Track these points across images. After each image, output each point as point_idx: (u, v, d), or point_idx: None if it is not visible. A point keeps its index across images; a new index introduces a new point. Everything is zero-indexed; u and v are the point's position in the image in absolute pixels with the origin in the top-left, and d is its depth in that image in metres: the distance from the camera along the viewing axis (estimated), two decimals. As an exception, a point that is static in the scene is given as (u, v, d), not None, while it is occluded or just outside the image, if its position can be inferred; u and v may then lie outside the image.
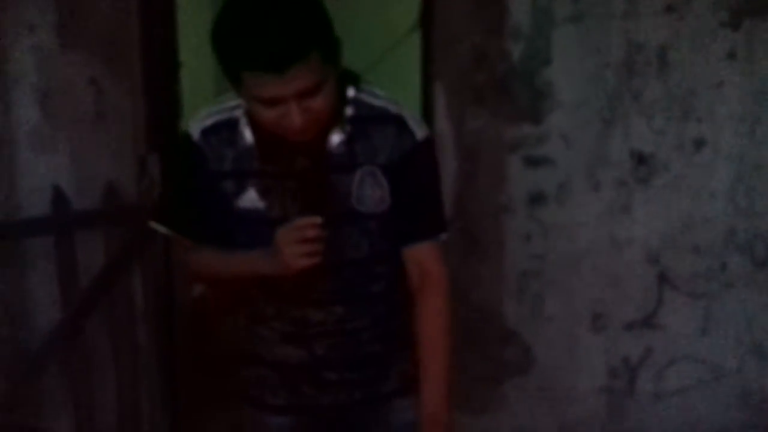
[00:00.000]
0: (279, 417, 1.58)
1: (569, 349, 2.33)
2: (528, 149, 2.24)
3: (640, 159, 2.20)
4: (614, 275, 2.29)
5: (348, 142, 1.42)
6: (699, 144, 2.19)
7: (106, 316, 2.28)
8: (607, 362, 2.33)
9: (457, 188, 2.26)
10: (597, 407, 2.35)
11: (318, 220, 1.34)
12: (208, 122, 1.45)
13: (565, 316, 2.33)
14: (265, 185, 1.41)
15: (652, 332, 2.30)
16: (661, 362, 2.32)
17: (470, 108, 2.22)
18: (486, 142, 2.23)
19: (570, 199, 2.26)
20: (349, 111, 1.42)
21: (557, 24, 2.15)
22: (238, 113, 1.43)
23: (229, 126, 1.44)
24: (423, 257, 1.50)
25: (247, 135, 1.43)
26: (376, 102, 1.45)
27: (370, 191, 1.44)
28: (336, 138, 1.40)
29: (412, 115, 1.46)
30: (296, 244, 1.33)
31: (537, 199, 2.27)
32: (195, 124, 1.45)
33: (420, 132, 1.46)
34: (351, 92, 1.44)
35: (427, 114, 2.28)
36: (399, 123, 1.44)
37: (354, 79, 1.46)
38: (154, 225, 1.53)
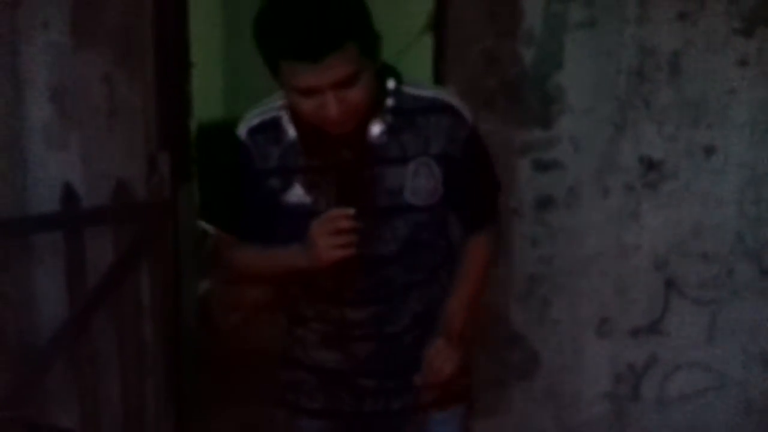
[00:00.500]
0: (314, 421, 1.58)
1: (575, 353, 2.33)
2: (538, 153, 2.24)
3: (650, 165, 2.20)
4: (621, 281, 2.29)
5: (394, 134, 1.42)
6: (709, 151, 2.19)
7: (113, 312, 2.28)
8: (612, 368, 2.33)
9: (466, 191, 2.26)
10: (602, 412, 2.35)
11: (351, 211, 1.34)
12: (255, 122, 1.48)
13: (572, 320, 2.33)
14: (311, 180, 1.41)
15: (658, 338, 2.30)
16: (666, 369, 2.32)
17: (481, 111, 2.21)
18: (496, 145, 2.21)
19: (578, 203, 2.26)
20: (390, 102, 1.42)
21: (570, 29, 2.15)
22: (282, 111, 1.44)
23: (274, 124, 1.46)
24: (480, 240, 1.55)
25: (290, 131, 1.44)
26: (423, 93, 1.45)
27: (425, 182, 1.43)
28: (376, 129, 1.40)
29: (460, 102, 1.46)
30: (329, 236, 1.34)
31: (546, 203, 2.27)
32: (243, 125, 1.48)
33: (469, 117, 1.46)
34: (392, 84, 1.43)
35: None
36: (452, 111, 1.44)
37: (395, 72, 1.46)
38: (202, 224, 1.54)
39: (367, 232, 1.40)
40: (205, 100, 4.57)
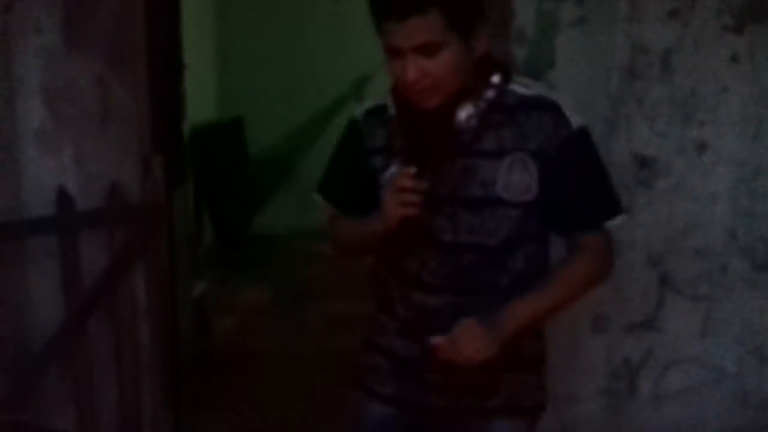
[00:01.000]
0: (384, 407, 1.63)
1: (571, 350, 2.34)
2: (531, 152, 2.24)
3: (643, 162, 2.21)
4: (615, 277, 2.29)
5: (494, 128, 1.45)
6: (701, 147, 2.20)
7: (109, 315, 2.28)
8: (608, 364, 2.34)
9: (460, 190, 2.26)
10: (598, 408, 2.36)
11: (413, 170, 1.40)
12: (371, 105, 1.59)
13: (567, 317, 2.33)
14: (407, 161, 1.46)
15: (653, 334, 2.31)
16: (661, 364, 2.33)
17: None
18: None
19: (572, 201, 2.27)
20: (489, 94, 1.45)
21: (561, 28, 2.15)
22: (389, 95, 1.53)
23: (384, 108, 1.55)
24: (584, 246, 1.52)
25: (392, 110, 1.52)
26: (529, 91, 1.48)
27: (519, 178, 1.45)
28: (463, 113, 1.43)
29: (568, 104, 1.48)
30: (394, 193, 1.41)
31: (539, 201, 2.27)
32: (362, 108, 1.60)
33: (576, 121, 1.47)
34: (496, 79, 1.46)
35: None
36: (556, 111, 1.45)
37: (504, 69, 1.49)
38: (315, 196, 1.66)
39: (452, 217, 1.46)
40: (199, 102, 4.58)
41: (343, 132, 1.62)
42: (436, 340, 1.47)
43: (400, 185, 1.40)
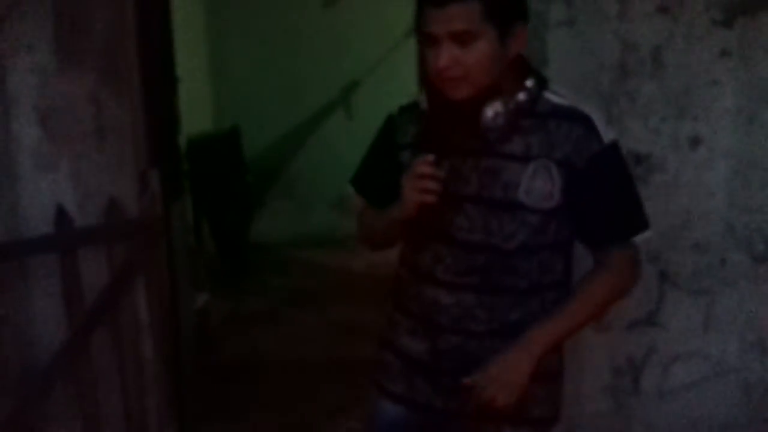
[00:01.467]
0: (395, 405, 1.64)
1: (574, 349, 2.33)
2: (526, 152, 2.25)
3: (638, 159, 2.21)
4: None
5: (523, 133, 1.46)
6: (695, 142, 2.21)
7: (112, 330, 2.29)
8: (611, 361, 2.34)
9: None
10: (603, 407, 2.36)
11: (432, 157, 1.42)
12: (406, 102, 1.62)
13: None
14: (427, 149, 1.47)
15: (655, 330, 2.31)
16: (664, 360, 2.33)
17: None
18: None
19: (569, 200, 2.27)
20: (521, 97, 1.46)
21: (551, 27, 2.16)
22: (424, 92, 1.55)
23: (417, 105, 1.58)
24: (609, 260, 1.53)
25: (424, 104, 1.54)
26: (563, 101, 1.49)
27: (542, 184, 1.46)
28: (490, 111, 1.44)
29: (600, 118, 1.49)
30: (413, 179, 1.43)
31: (536, 201, 2.28)
32: (400, 105, 1.63)
33: (607, 136, 1.47)
34: (530, 83, 1.48)
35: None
36: (587, 124, 1.46)
37: (540, 77, 1.51)
38: (348, 188, 1.70)
39: (470, 216, 1.47)
40: (194, 114, 4.59)
41: (380, 127, 1.65)
42: (470, 379, 1.48)
43: (418, 171, 1.42)
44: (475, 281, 1.50)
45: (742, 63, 2.15)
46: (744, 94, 2.17)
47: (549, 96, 1.49)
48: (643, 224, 1.54)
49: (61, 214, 2.19)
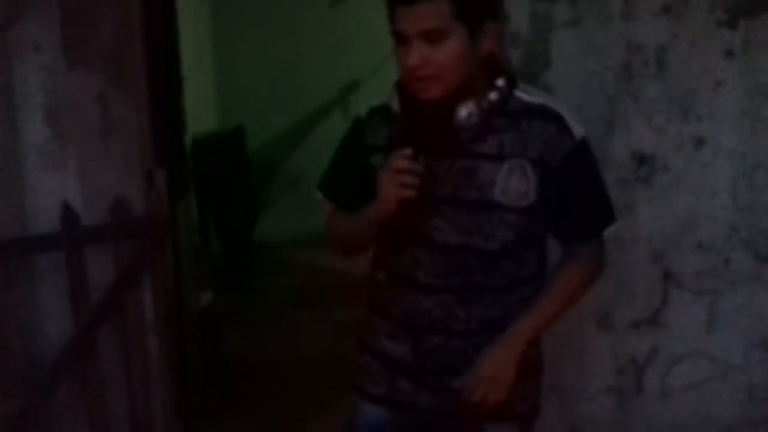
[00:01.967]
0: (376, 407, 1.63)
1: (577, 348, 2.34)
2: (530, 152, 2.25)
3: (642, 159, 2.22)
4: (619, 274, 2.31)
5: (496, 133, 1.46)
6: (699, 142, 2.21)
7: (118, 328, 2.30)
8: (614, 361, 2.34)
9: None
10: (605, 406, 2.36)
11: (409, 152, 1.40)
12: (376, 103, 1.59)
13: (573, 315, 2.34)
14: (404, 144, 1.45)
15: (659, 330, 2.31)
16: (668, 360, 2.33)
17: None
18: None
19: (573, 200, 2.27)
20: (492, 96, 1.46)
21: (556, 28, 2.16)
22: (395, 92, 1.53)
23: (388, 106, 1.55)
24: (580, 252, 1.56)
25: (395, 105, 1.52)
26: (533, 99, 1.49)
27: (517, 184, 1.46)
28: (463, 111, 1.44)
29: (570, 115, 1.49)
30: (391, 174, 1.41)
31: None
32: (371, 106, 1.59)
33: (578, 131, 1.48)
34: (501, 82, 1.48)
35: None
36: (559, 122, 1.47)
37: (510, 76, 1.51)
38: (315, 193, 1.66)
39: (447, 217, 1.46)
40: (199, 113, 4.60)
41: (347, 130, 1.63)
42: (460, 382, 1.50)
43: (396, 166, 1.40)
44: (456, 282, 1.50)
45: (746, 64, 2.15)
46: (748, 94, 2.17)
47: (519, 94, 1.49)
48: (611, 217, 1.57)
49: (67, 212, 2.20)
